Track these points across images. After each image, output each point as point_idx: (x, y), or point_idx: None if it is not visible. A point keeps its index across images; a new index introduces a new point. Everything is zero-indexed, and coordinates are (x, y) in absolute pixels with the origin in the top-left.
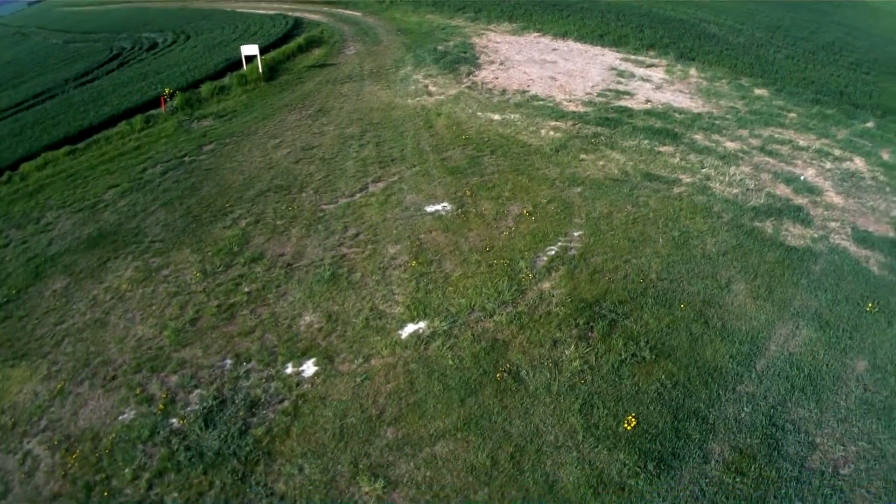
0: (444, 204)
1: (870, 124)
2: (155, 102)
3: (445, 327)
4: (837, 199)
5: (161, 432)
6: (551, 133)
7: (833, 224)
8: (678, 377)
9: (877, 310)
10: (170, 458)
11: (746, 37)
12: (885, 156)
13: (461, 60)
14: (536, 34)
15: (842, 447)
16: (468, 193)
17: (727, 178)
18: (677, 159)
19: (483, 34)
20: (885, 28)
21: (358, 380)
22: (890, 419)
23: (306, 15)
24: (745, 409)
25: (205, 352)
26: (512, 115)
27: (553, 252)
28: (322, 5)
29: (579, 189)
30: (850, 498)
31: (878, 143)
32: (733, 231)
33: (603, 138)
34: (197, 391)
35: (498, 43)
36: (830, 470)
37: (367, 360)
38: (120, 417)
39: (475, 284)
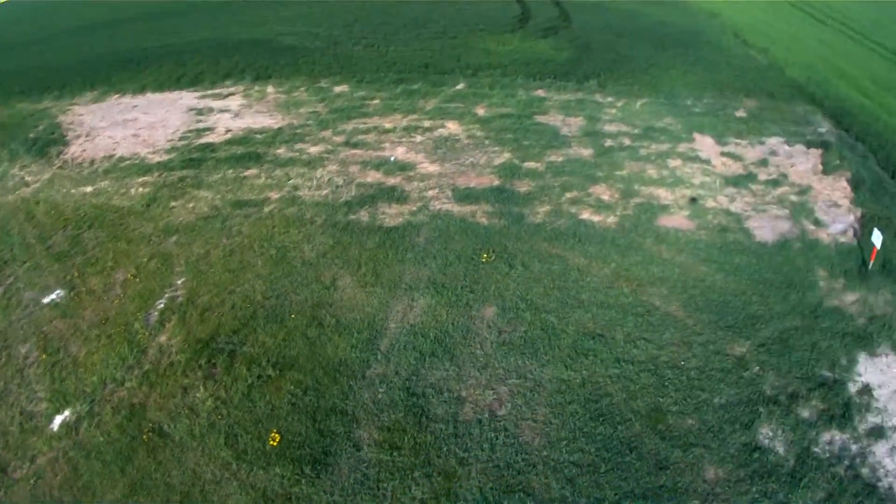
0: (58, 291)
1: (460, 86)
2: None
3: (87, 408)
4: (433, 168)
5: None
6: (141, 190)
7: (431, 192)
8: (306, 383)
9: (493, 258)
10: None
11: (323, 39)
12: (481, 111)
13: (51, 143)
14: (117, 95)
15: (492, 391)
16: (76, 274)
17: (315, 183)
18: (263, 179)
19: (68, 110)
20: None
21: (32, 482)
22: (535, 350)
23: None
24: (379, 390)
25: None
26: (102, 183)
27: (162, 305)
28: None
29: (175, 237)
30: (517, 433)
31: (471, 102)
32: (329, 231)
33: (189, 180)
34: None
35: (82, 115)
36: (487, 416)
37: (33, 461)
38: None
39: (101, 358)
